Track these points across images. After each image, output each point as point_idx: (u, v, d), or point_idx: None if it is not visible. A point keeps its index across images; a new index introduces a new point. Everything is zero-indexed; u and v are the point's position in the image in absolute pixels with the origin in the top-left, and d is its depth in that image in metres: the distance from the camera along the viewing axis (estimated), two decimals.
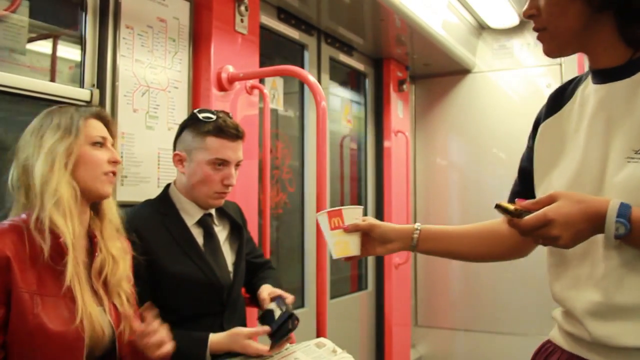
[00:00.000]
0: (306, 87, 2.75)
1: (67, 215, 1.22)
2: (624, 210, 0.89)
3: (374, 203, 3.84)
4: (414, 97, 4.30)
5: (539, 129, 1.16)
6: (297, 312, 1.84)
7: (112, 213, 1.39)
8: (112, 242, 1.35)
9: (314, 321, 1.96)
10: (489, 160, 3.88)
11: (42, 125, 1.28)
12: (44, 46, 1.81)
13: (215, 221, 1.77)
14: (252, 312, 1.94)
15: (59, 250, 1.20)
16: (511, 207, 0.95)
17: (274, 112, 2.88)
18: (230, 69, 2.19)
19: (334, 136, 3.48)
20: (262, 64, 2.44)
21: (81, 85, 1.81)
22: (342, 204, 3.58)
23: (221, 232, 1.78)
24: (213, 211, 1.77)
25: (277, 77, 2.79)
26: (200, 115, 1.69)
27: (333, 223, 1.25)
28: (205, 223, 1.72)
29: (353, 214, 1.26)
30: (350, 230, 1.25)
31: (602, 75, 1.04)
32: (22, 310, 1.14)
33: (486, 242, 1.27)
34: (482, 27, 3.94)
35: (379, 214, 3.82)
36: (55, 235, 1.20)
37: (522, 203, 0.96)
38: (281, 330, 1.56)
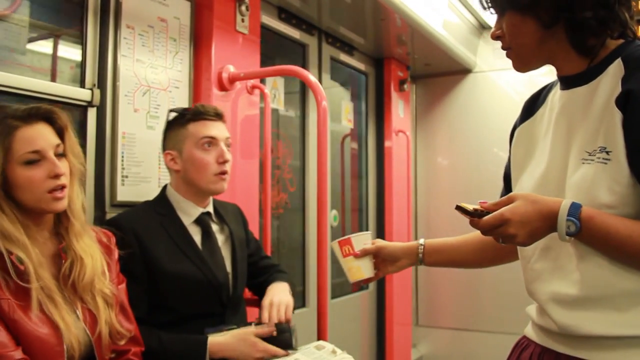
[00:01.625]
0: (307, 87, 2.75)
1: (13, 240, 1.15)
2: (574, 210, 0.96)
3: (375, 203, 3.84)
4: (414, 96, 4.29)
5: (515, 134, 1.24)
6: (298, 312, 1.85)
7: (75, 215, 1.29)
8: (81, 240, 1.28)
9: (315, 321, 1.95)
10: (489, 160, 3.88)
11: None
12: (44, 46, 1.81)
13: (214, 219, 1.76)
14: (253, 314, 1.93)
15: (21, 273, 1.15)
16: (470, 207, 1.03)
17: (275, 111, 2.88)
18: (231, 68, 2.19)
19: (334, 136, 3.48)
20: (262, 64, 2.44)
21: (82, 85, 1.81)
22: (343, 204, 3.58)
23: (220, 233, 1.76)
24: (211, 209, 1.76)
25: (278, 77, 2.79)
26: (177, 111, 1.73)
27: (344, 251, 1.38)
28: (203, 222, 1.71)
29: (362, 240, 1.39)
30: (360, 255, 1.37)
31: (566, 81, 1.10)
32: (5, 318, 1.11)
33: (486, 248, 1.34)
34: (482, 27, 3.94)
35: (380, 214, 3.82)
36: (15, 263, 1.14)
37: (483, 205, 1.03)
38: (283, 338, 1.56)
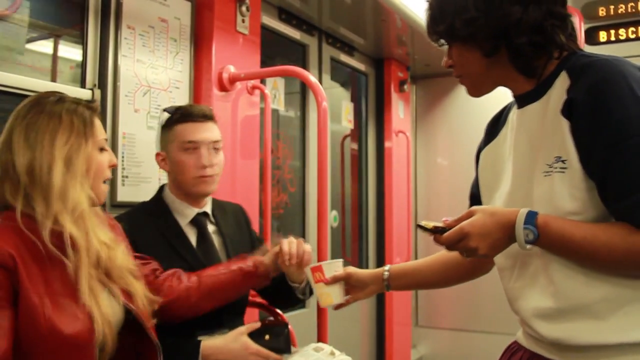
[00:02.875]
0: (307, 88, 2.76)
1: (87, 230, 1.17)
2: (531, 218, 0.99)
3: (375, 203, 3.84)
4: (414, 97, 4.30)
5: (480, 157, 1.27)
6: (298, 312, 1.85)
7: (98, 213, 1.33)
8: (102, 232, 1.27)
9: (315, 322, 1.95)
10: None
11: (48, 123, 1.18)
12: (45, 46, 1.81)
13: (212, 219, 1.74)
14: (254, 316, 1.94)
15: (62, 249, 1.15)
16: (430, 225, 1.08)
17: (275, 112, 2.88)
18: (232, 69, 2.19)
19: (335, 136, 3.48)
20: (263, 64, 2.44)
21: (82, 85, 1.81)
22: (343, 206, 3.58)
23: (217, 234, 1.74)
24: (209, 209, 1.74)
25: (278, 78, 2.79)
26: (169, 111, 1.70)
27: (316, 277, 1.43)
28: (198, 222, 1.69)
29: (333, 267, 1.43)
30: (330, 282, 1.42)
31: (520, 100, 1.14)
32: (33, 315, 1.09)
33: (450, 268, 1.38)
34: None
35: (380, 215, 3.82)
36: (60, 237, 1.15)
37: (446, 221, 1.07)
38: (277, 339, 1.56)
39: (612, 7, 3.57)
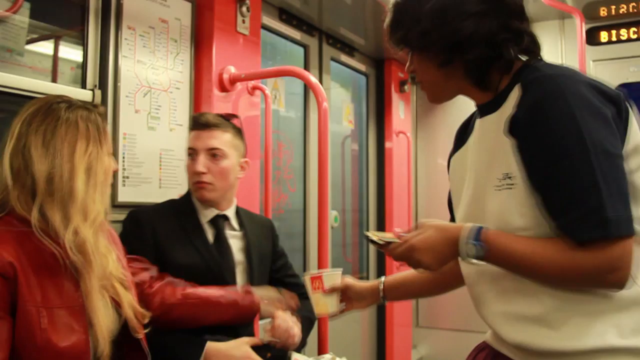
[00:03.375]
0: (308, 88, 2.75)
1: (98, 228, 1.18)
2: (476, 233, 1.01)
3: (376, 204, 3.84)
4: (415, 97, 4.29)
5: (450, 164, 1.29)
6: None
7: None
8: (102, 240, 1.27)
9: (316, 323, 1.95)
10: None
11: (66, 131, 1.17)
12: (45, 47, 1.81)
13: (233, 225, 1.78)
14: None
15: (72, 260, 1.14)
16: (376, 237, 1.14)
17: (276, 112, 2.88)
18: (232, 69, 2.19)
19: (335, 136, 3.48)
20: (263, 65, 2.44)
21: (83, 86, 1.81)
22: (344, 205, 3.58)
23: (237, 239, 1.78)
24: (230, 214, 1.77)
25: (279, 78, 2.79)
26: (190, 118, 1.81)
27: (314, 285, 1.46)
28: (216, 223, 1.74)
29: (332, 278, 1.47)
30: (328, 292, 1.45)
31: (480, 109, 1.16)
32: (29, 325, 1.07)
33: (440, 278, 1.39)
34: None
35: (380, 215, 3.82)
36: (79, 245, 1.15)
37: (396, 233, 1.13)
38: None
39: (613, 7, 3.56)
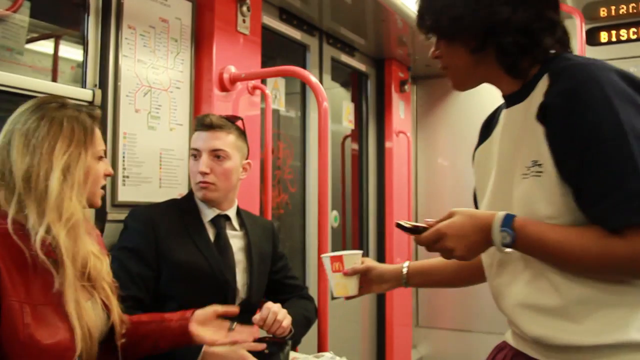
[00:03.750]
0: (308, 88, 2.76)
1: (76, 239, 1.17)
2: (508, 221, 1.00)
3: (376, 204, 3.83)
4: (415, 97, 4.29)
5: (475, 157, 1.28)
6: None
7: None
8: (90, 242, 1.26)
9: (316, 322, 1.95)
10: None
11: (49, 130, 1.17)
12: (45, 46, 1.81)
13: (235, 225, 1.79)
14: None
15: (49, 257, 1.13)
16: (408, 225, 1.10)
17: (276, 112, 2.88)
18: (232, 69, 2.19)
19: (335, 136, 3.48)
20: (263, 65, 2.44)
21: (83, 85, 1.81)
22: (344, 206, 3.58)
23: (237, 239, 1.79)
24: (231, 214, 1.79)
25: (279, 78, 2.79)
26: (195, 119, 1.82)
27: (334, 266, 1.42)
28: (217, 223, 1.75)
29: (352, 259, 1.43)
30: (349, 274, 1.41)
31: (507, 100, 1.15)
32: (13, 321, 1.07)
33: (465, 269, 1.38)
34: None
35: (380, 215, 3.82)
36: (49, 246, 1.14)
37: (427, 222, 1.08)
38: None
39: (613, 7, 3.56)
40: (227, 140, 1.73)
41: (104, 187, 1.33)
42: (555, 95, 0.98)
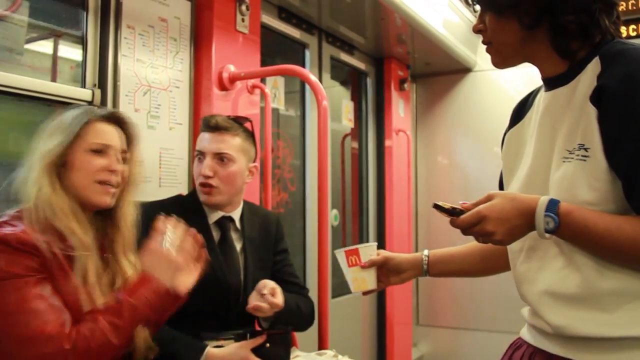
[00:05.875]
0: (307, 87, 2.75)
1: (65, 219, 1.19)
2: (553, 206, 0.96)
3: (375, 202, 3.83)
4: (415, 96, 4.29)
5: (505, 140, 1.25)
6: None
7: (126, 225, 1.33)
8: (125, 257, 1.31)
9: (316, 321, 1.95)
10: (490, 159, 3.87)
11: (47, 126, 1.25)
12: (45, 46, 1.81)
13: (238, 226, 1.77)
14: None
15: (66, 253, 1.18)
16: (447, 205, 1.04)
17: (275, 111, 2.88)
18: (232, 68, 2.19)
19: (335, 135, 3.48)
20: (263, 64, 2.44)
21: (82, 85, 1.81)
22: (344, 205, 3.58)
23: (238, 240, 1.76)
24: (236, 215, 1.76)
25: (279, 77, 2.79)
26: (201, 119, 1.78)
27: (350, 261, 1.37)
28: (222, 225, 1.73)
29: (369, 251, 1.38)
30: (367, 266, 1.36)
31: (549, 83, 1.11)
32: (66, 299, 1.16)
33: (489, 257, 1.35)
34: None
35: (380, 213, 3.82)
36: (63, 240, 1.18)
37: (464, 205, 1.03)
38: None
39: None
40: (232, 143, 1.69)
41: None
42: (614, 78, 0.95)
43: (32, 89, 1.63)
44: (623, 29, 3.63)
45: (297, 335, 1.97)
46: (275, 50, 2.98)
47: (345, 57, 3.50)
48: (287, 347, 1.56)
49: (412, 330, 4.08)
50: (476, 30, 1.14)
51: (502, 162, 1.25)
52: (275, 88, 2.77)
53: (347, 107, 3.56)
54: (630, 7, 3.53)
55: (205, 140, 1.70)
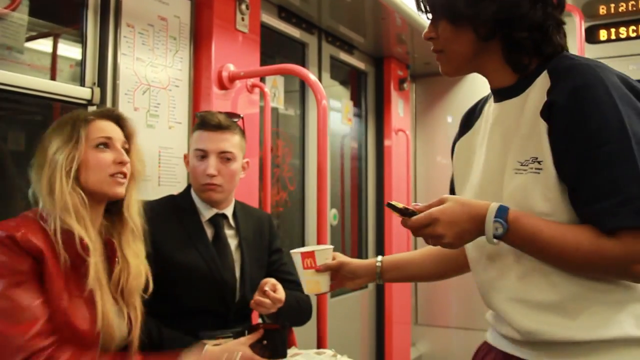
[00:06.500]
0: (307, 86, 2.76)
1: (80, 219, 1.24)
2: (502, 212, 0.98)
3: (375, 202, 3.84)
4: (414, 95, 4.30)
5: (455, 148, 1.26)
6: None
7: (132, 216, 1.38)
8: (130, 248, 1.36)
9: (315, 320, 1.96)
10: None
11: (51, 133, 1.30)
12: (44, 44, 1.81)
13: (232, 224, 1.77)
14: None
15: (79, 254, 1.22)
16: (400, 205, 1.05)
17: (275, 110, 2.88)
18: (231, 67, 2.19)
19: (334, 134, 3.48)
20: (262, 63, 2.44)
21: (82, 83, 1.81)
22: (343, 204, 3.58)
23: (233, 238, 1.77)
24: (229, 212, 1.77)
25: (278, 76, 2.79)
26: (197, 115, 1.77)
27: (306, 263, 1.37)
28: (215, 222, 1.73)
29: (324, 255, 1.37)
30: (322, 270, 1.36)
31: (498, 94, 1.13)
32: (52, 304, 1.18)
33: (441, 261, 1.36)
34: None
35: (380, 213, 3.82)
36: (73, 238, 1.22)
37: (416, 207, 1.06)
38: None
39: (612, 5, 3.56)
40: (233, 142, 1.71)
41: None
42: (562, 93, 0.98)
43: (32, 87, 1.62)
44: (623, 30, 3.64)
45: (296, 335, 1.97)
46: (275, 50, 2.98)
47: (344, 56, 3.50)
48: (285, 343, 1.56)
49: (411, 329, 4.08)
50: (427, 37, 1.15)
51: (453, 170, 1.27)
52: (275, 87, 2.77)
53: (346, 107, 3.56)
54: (630, 8, 3.54)
55: (208, 139, 1.69)
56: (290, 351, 1.65)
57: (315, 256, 1.36)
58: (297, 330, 1.91)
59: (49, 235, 1.21)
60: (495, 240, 0.99)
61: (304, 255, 1.37)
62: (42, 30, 1.78)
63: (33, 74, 1.68)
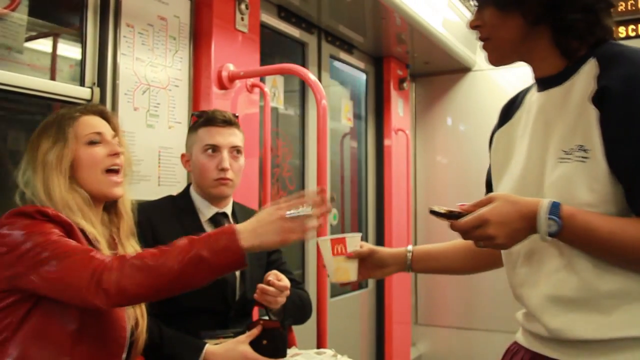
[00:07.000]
0: (307, 86, 2.75)
1: (86, 217, 1.24)
2: (555, 209, 0.94)
3: (375, 202, 3.84)
4: (414, 95, 4.30)
5: (493, 139, 1.24)
6: None
7: (127, 213, 1.39)
8: (129, 243, 1.37)
9: (315, 320, 1.96)
10: (489, 159, 3.88)
11: (38, 135, 1.29)
12: (44, 44, 1.81)
13: (232, 221, 1.77)
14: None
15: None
16: (444, 210, 1.01)
17: (275, 110, 2.88)
18: (231, 67, 2.19)
19: (334, 134, 3.48)
20: (262, 63, 2.44)
21: (81, 83, 1.81)
22: (342, 203, 3.58)
23: None
24: (229, 211, 1.77)
25: (278, 76, 2.79)
26: (196, 114, 1.78)
27: (336, 249, 1.34)
28: (216, 221, 1.74)
29: (354, 241, 1.34)
30: (353, 256, 1.33)
31: (543, 83, 1.10)
32: None
33: (476, 255, 1.33)
34: None
35: (379, 213, 3.82)
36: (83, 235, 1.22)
37: (462, 207, 1.01)
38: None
39: None
40: (241, 137, 1.75)
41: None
42: (617, 80, 0.94)
43: (32, 87, 1.63)
44: (622, 29, 3.64)
45: (296, 334, 1.96)
46: (275, 49, 2.98)
47: (344, 56, 3.50)
48: (285, 343, 1.57)
49: (411, 329, 4.08)
50: (473, 26, 1.13)
51: (491, 161, 1.24)
52: (275, 87, 2.77)
53: (346, 106, 3.56)
54: (630, 7, 3.54)
55: (219, 134, 1.70)
56: (290, 351, 1.65)
57: (346, 242, 1.33)
58: (297, 330, 1.91)
59: None
60: (549, 238, 0.96)
61: (334, 242, 1.34)
62: (41, 30, 1.78)
63: (33, 74, 1.68)
